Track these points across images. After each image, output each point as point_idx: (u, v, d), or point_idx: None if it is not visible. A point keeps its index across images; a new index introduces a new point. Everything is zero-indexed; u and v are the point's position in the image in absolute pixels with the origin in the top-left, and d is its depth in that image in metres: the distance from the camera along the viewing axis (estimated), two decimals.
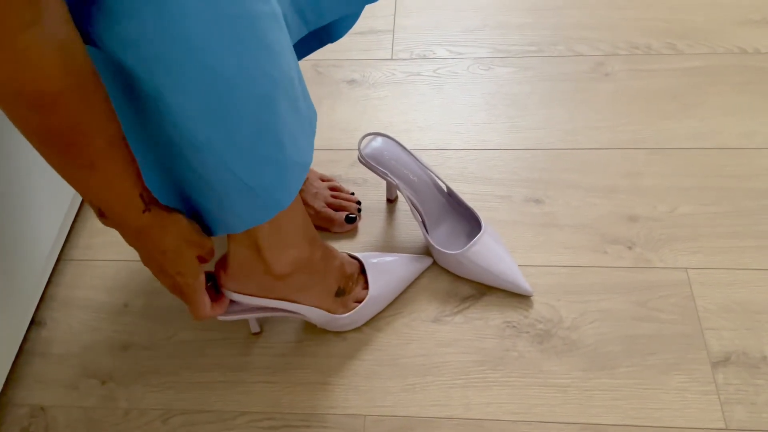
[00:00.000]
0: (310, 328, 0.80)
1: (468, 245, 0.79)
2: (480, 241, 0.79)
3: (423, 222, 0.82)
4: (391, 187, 0.89)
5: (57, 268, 0.88)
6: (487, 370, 0.75)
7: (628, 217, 0.86)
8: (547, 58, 1.06)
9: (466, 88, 1.04)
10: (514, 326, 0.78)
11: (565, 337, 0.77)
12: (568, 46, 1.07)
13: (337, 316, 0.75)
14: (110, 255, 0.89)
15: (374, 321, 0.80)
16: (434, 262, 0.84)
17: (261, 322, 0.80)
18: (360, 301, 0.77)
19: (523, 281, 0.79)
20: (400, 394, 0.74)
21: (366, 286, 0.78)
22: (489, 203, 0.89)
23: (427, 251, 0.85)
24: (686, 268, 0.81)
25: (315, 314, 0.74)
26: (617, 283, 0.80)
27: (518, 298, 0.80)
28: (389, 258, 0.81)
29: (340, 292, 0.75)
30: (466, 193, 0.90)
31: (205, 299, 0.64)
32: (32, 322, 0.83)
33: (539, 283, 0.81)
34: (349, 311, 0.76)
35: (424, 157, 0.95)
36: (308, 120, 0.57)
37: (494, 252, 0.80)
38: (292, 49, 0.52)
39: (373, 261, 0.80)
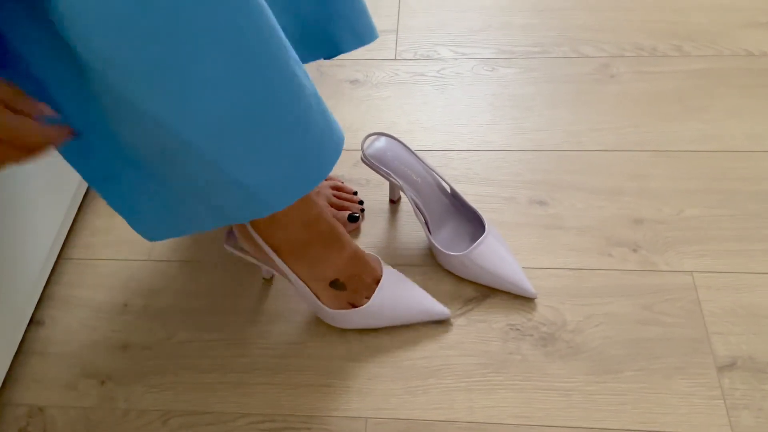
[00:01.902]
0: (311, 330, 0.79)
1: (472, 247, 0.78)
2: (484, 242, 0.79)
3: (426, 223, 0.81)
4: (394, 188, 0.88)
5: (56, 266, 0.87)
6: (491, 373, 0.74)
7: (634, 219, 0.85)
8: (552, 59, 1.05)
9: (470, 89, 1.03)
10: (518, 329, 0.77)
11: (569, 341, 0.76)
12: (572, 47, 1.06)
13: (322, 305, 0.75)
14: (110, 254, 0.88)
15: None
16: (441, 265, 0.83)
17: (262, 318, 0.79)
18: (354, 306, 0.76)
19: (527, 283, 0.78)
20: (402, 396, 0.73)
21: (369, 296, 0.77)
22: (493, 205, 0.88)
23: (430, 252, 0.84)
24: (692, 272, 0.80)
25: (303, 291, 0.74)
26: (622, 286, 0.79)
27: (522, 300, 0.79)
28: (410, 291, 0.78)
29: (337, 285, 0.75)
30: (469, 194, 0.90)
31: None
32: (31, 321, 0.83)
33: (543, 285, 0.80)
34: (338, 309, 0.75)
35: (428, 158, 0.94)
36: (319, 138, 0.54)
37: (498, 254, 0.79)
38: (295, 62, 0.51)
39: (391, 284, 0.77)
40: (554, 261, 0.83)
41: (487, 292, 0.80)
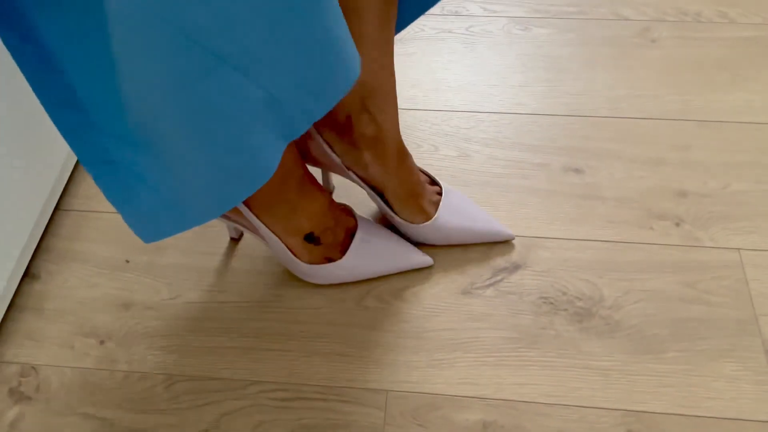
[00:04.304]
0: (327, 295, 0.73)
1: (438, 211, 0.73)
2: (445, 203, 0.74)
3: (385, 201, 0.74)
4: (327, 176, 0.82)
5: (54, 218, 0.81)
6: (522, 349, 0.69)
7: (677, 192, 0.79)
8: (590, 20, 0.99)
9: (501, 48, 0.96)
10: (551, 303, 0.72)
11: (606, 317, 0.70)
12: (611, 9, 1.00)
13: (297, 261, 0.70)
14: (112, 207, 0.82)
15: (398, 290, 0.73)
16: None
17: (270, 285, 0.74)
18: (330, 261, 0.71)
19: (502, 227, 0.75)
20: (425, 369, 0.68)
21: (344, 249, 0.71)
22: (525, 171, 0.83)
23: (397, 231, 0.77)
24: (739, 249, 0.74)
25: (276, 246, 0.70)
26: (664, 261, 0.74)
27: (555, 272, 0.74)
28: (387, 241, 0.73)
29: (311, 238, 0.70)
30: (500, 159, 0.84)
31: None
32: (26, 274, 0.77)
33: (579, 257, 0.75)
34: (314, 264, 0.71)
35: (454, 119, 0.88)
36: (344, 56, 0.48)
37: (464, 210, 0.75)
38: None
39: (367, 236, 0.72)
40: (590, 232, 0.77)
41: (517, 262, 0.75)
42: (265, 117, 0.47)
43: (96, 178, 0.50)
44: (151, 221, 0.54)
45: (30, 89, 0.69)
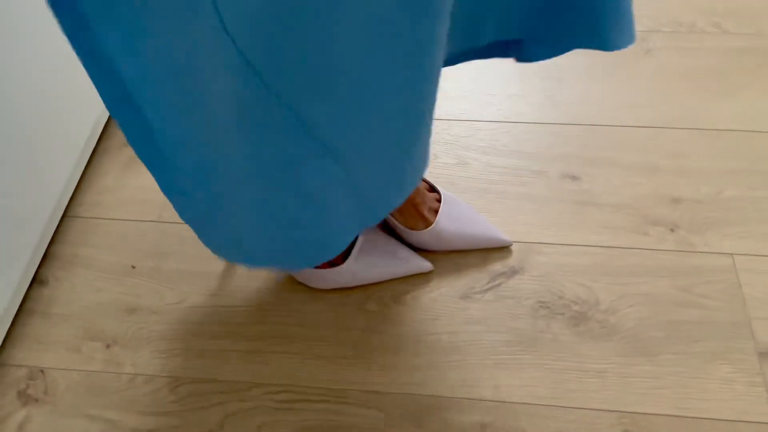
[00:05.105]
0: (330, 300, 0.75)
1: (437, 217, 0.75)
2: (445, 210, 0.75)
3: None
4: None
5: (62, 224, 0.83)
6: (519, 352, 0.70)
7: (671, 198, 0.81)
8: None
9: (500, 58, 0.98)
10: (548, 307, 0.73)
11: (602, 321, 0.72)
12: None
13: None
14: (119, 214, 0.84)
15: (399, 295, 0.75)
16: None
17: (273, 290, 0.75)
18: (333, 266, 0.73)
19: (500, 234, 0.77)
20: (425, 372, 0.70)
21: (346, 255, 0.73)
22: (523, 178, 0.84)
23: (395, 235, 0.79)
24: (732, 254, 0.76)
25: None
26: (659, 266, 0.75)
27: (552, 277, 0.75)
28: (388, 247, 0.75)
29: None
30: (498, 166, 0.85)
31: None
32: (34, 280, 0.78)
33: (575, 262, 0.76)
34: (316, 268, 0.72)
35: (454, 128, 0.90)
36: (423, 156, 0.53)
37: (463, 216, 0.76)
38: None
39: (368, 241, 0.74)
40: (586, 238, 0.78)
41: (515, 267, 0.76)
42: (348, 204, 0.50)
43: (174, 205, 0.53)
44: (220, 249, 0.57)
45: (31, 94, 0.72)
